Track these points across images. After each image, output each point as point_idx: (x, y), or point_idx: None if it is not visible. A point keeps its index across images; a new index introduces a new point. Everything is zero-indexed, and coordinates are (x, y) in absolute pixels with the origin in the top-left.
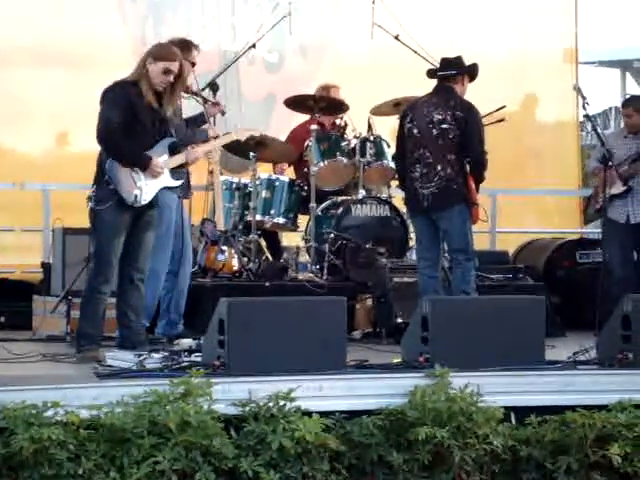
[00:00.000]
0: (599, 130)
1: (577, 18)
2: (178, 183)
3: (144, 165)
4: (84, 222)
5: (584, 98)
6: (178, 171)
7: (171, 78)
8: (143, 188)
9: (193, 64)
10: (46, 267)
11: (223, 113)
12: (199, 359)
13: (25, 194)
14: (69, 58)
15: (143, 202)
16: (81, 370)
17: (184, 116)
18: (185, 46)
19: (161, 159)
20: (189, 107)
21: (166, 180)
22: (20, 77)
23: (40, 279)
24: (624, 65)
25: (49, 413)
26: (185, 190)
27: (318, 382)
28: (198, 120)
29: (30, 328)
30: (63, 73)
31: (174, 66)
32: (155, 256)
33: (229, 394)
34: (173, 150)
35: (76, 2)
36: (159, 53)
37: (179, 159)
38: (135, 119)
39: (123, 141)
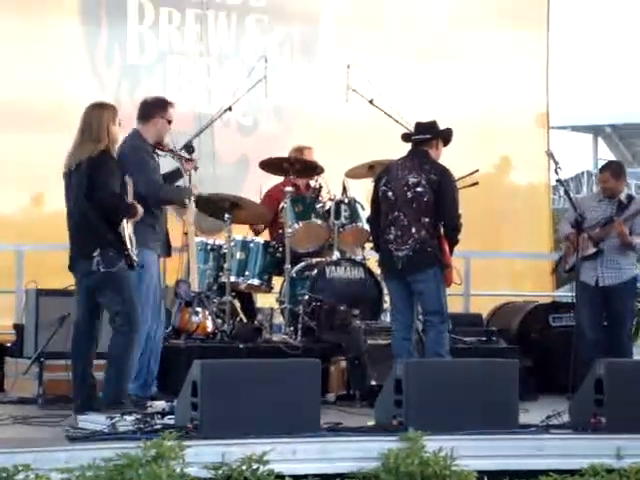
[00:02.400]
0: (571, 194)
1: (548, 84)
2: None
3: (137, 210)
4: (57, 283)
5: (556, 163)
6: None
7: None
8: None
9: (169, 122)
10: (19, 329)
11: (196, 168)
12: (172, 421)
13: None
14: (44, 120)
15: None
16: (52, 433)
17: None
18: (160, 104)
19: None
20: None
21: None
22: None
23: (12, 341)
24: (596, 130)
25: (20, 476)
26: (165, 249)
27: (292, 445)
28: (174, 175)
29: (2, 390)
30: (39, 135)
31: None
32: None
33: (202, 457)
34: None
35: (52, 66)
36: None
37: None
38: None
39: (125, 204)
